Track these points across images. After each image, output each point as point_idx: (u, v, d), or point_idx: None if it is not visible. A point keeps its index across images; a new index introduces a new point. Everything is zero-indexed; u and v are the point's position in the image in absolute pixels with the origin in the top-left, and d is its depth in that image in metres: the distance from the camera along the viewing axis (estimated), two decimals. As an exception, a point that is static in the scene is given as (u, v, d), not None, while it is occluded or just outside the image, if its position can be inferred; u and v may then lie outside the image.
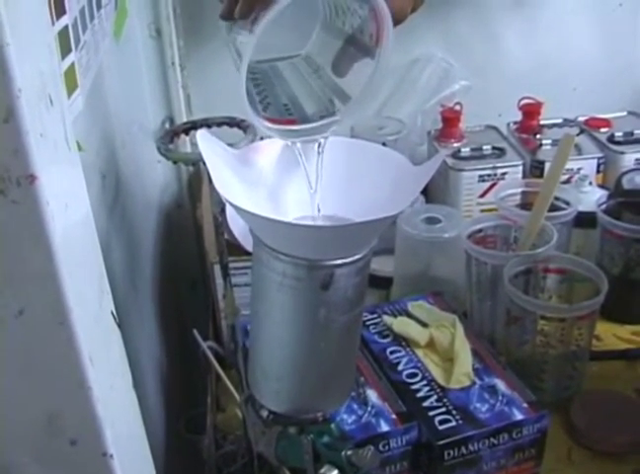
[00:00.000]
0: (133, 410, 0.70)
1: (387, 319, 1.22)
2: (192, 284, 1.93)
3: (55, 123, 0.54)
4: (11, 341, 0.55)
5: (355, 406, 1.05)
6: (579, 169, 1.60)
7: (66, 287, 0.52)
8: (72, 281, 0.53)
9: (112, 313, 0.64)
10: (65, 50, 0.89)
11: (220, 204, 1.09)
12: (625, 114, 1.79)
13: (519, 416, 1.03)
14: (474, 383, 1.09)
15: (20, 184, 0.49)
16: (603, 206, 1.41)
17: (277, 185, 0.81)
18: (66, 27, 0.91)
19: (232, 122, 1.11)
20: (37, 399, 0.57)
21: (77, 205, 0.59)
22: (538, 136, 1.68)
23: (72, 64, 0.93)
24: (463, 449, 1.02)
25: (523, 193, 1.46)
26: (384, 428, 1.02)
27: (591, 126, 1.72)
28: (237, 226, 1.30)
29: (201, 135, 0.79)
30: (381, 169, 0.80)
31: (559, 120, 1.74)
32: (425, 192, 1.58)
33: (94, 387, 0.56)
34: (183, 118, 1.77)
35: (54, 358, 0.55)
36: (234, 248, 1.28)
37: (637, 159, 1.62)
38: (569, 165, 1.49)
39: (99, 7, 1.14)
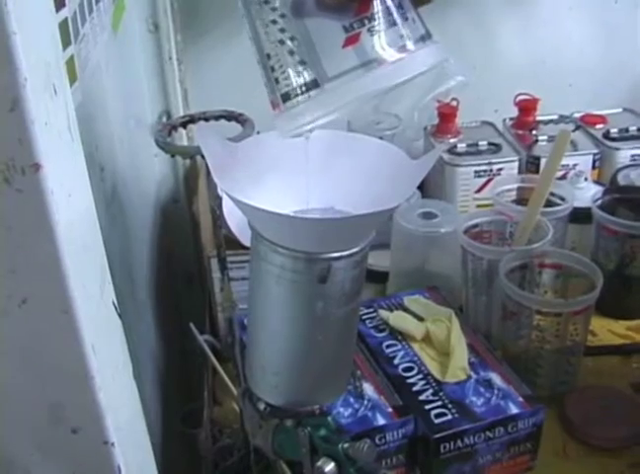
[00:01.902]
0: (134, 399, 0.70)
1: (383, 313, 1.22)
2: (188, 279, 1.93)
3: (59, 113, 0.54)
4: (14, 329, 0.55)
5: (351, 399, 1.05)
6: (574, 165, 1.60)
7: (69, 276, 0.52)
8: (75, 271, 0.53)
9: (113, 303, 0.64)
10: (65, 43, 0.89)
11: (218, 198, 1.09)
12: (621, 110, 1.79)
13: (514, 410, 1.04)
14: (470, 377, 1.10)
15: (24, 172, 0.49)
16: (599, 202, 1.41)
17: (274, 178, 0.81)
18: (66, 19, 0.91)
19: (230, 116, 1.12)
20: (39, 388, 0.57)
21: (80, 195, 0.59)
22: (534, 132, 1.68)
23: (71, 57, 0.93)
24: (459, 443, 1.02)
25: (519, 188, 1.47)
26: (380, 421, 1.02)
27: (586, 123, 1.73)
28: (234, 220, 1.31)
29: (200, 128, 0.80)
30: (379, 163, 0.80)
31: (555, 117, 1.74)
32: (421, 187, 1.59)
33: (96, 376, 0.56)
34: (180, 112, 1.77)
35: (57, 347, 0.55)
36: (231, 242, 1.28)
37: (632, 155, 1.63)
38: (565, 161, 1.50)
39: (97, 0, 1.14)
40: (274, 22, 0.70)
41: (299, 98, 0.70)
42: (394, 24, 0.70)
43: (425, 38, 0.72)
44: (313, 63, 0.70)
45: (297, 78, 0.70)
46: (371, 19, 0.70)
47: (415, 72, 0.70)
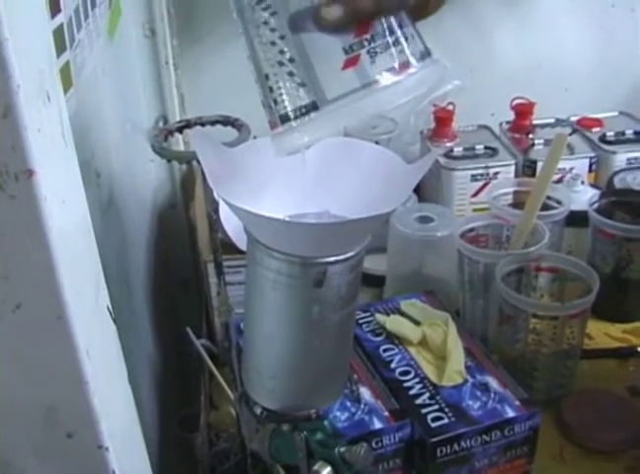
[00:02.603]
0: (129, 404, 0.70)
1: (380, 317, 1.22)
2: (184, 284, 1.93)
3: (53, 119, 0.54)
4: (8, 335, 0.55)
5: (348, 403, 1.05)
6: (571, 168, 1.60)
7: (63, 282, 0.52)
8: (69, 276, 0.53)
9: (107, 308, 0.65)
10: (60, 49, 0.89)
11: (214, 203, 1.09)
12: (617, 114, 1.79)
13: (510, 413, 1.04)
14: (466, 381, 1.09)
15: (18, 179, 0.49)
16: (595, 206, 1.41)
17: (270, 182, 0.81)
18: (61, 25, 0.91)
19: (226, 121, 1.12)
20: (34, 392, 0.57)
21: (74, 201, 0.59)
22: (531, 136, 1.68)
23: (67, 63, 0.93)
24: (456, 447, 1.02)
25: (516, 192, 1.47)
26: (377, 425, 1.02)
27: (583, 126, 1.73)
28: (230, 225, 1.31)
29: (195, 134, 0.79)
30: (375, 167, 0.80)
31: (551, 120, 1.74)
32: (417, 191, 1.59)
33: (91, 381, 0.56)
34: (176, 117, 1.77)
35: (52, 352, 0.55)
36: (228, 246, 1.28)
37: (629, 159, 1.63)
38: (561, 164, 1.50)
39: (93, 6, 1.14)
40: (273, 43, 0.70)
41: (298, 120, 0.70)
42: (394, 44, 0.70)
43: (424, 55, 0.71)
44: (312, 85, 0.69)
45: (296, 100, 0.70)
46: (371, 40, 0.69)
47: (415, 93, 0.69)
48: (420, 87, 0.70)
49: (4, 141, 0.48)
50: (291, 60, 0.70)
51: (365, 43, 0.69)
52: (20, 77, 0.47)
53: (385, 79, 0.69)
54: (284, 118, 0.71)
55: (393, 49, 0.70)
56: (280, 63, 0.70)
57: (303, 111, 0.70)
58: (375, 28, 0.69)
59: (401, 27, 0.71)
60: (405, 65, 0.70)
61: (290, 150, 0.72)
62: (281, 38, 0.70)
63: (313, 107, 0.70)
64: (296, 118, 0.70)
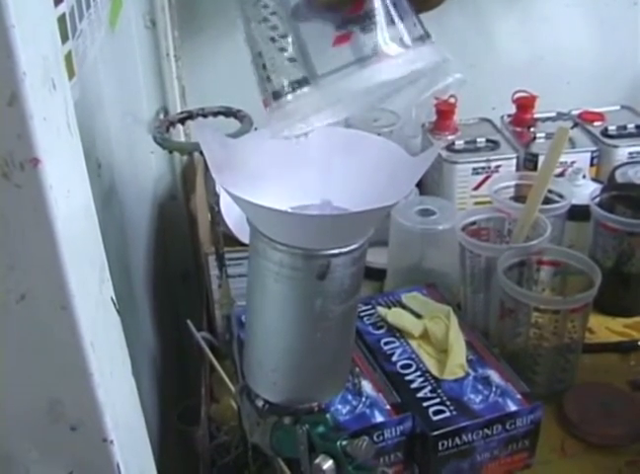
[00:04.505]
0: (133, 397, 0.70)
1: (381, 310, 1.22)
2: (184, 276, 1.93)
3: (58, 108, 0.54)
4: (13, 325, 0.54)
5: (349, 397, 1.05)
6: (572, 162, 1.60)
7: (68, 272, 0.52)
8: (74, 267, 0.53)
9: (112, 299, 0.64)
10: (62, 38, 0.88)
11: (216, 195, 1.09)
12: (619, 108, 1.79)
13: (512, 407, 1.04)
14: (468, 374, 1.10)
15: (23, 168, 0.48)
16: (597, 200, 1.41)
17: (272, 174, 0.80)
18: (63, 15, 0.91)
19: (228, 112, 1.11)
20: (38, 384, 0.57)
21: (79, 190, 0.58)
22: (532, 129, 1.68)
23: (69, 52, 0.93)
24: (457, 440, 1.02)
25: (517, 185, 1.47)
26: (379, 418, 1.02)
27: (584, 120, 1.73)
28: (231, 217, 1.30)
29: (198, 125, 0.79)
30: (378, 159, 0.80)
31: (553, 114, 1.74)
32: (419, 184, 1.58)
33: (95, 373, 0.56)
34: (177, 108, 1.77)
35: (56, 344, 0.55)
36: (229, 239, 1.28)
37: (630, 153, 1.63)
38: (563, 158, 1.50)
39: (95, -4, 1.14)
40: (265, 20, 0.70)
41: (290, 96, 0.70)
42: (390, 22, 0.70)
43: (423, 38, 0.71)
44: (304, 60, 0.69)
45: (288, 76, 0.70)
46: (365, 17, 0.69)
47: (409, 69, 0.69)
48: (415, 64, 0.69)
49: (10, 130, 0.48)
50: (284, 36, 0.69)
51: (359, 20, 0.69)
52: (26, 65, 0.47)
53: (379, 54, 0.68)
54: (277, 95, 0.71)
55: (389, 27, 0.69)
56: (273, 39, 0.70)
57: (295, 86, 0.69)
58: (371, 5, 0.69)
59: (398, 9, 0.70)
60: (401, 42, 0.69)
61: (285, 128, 0.72)
62: (273, 14, 0.69)
63: (305, 81, 0.69)
64: (287, 93, 0.70)
